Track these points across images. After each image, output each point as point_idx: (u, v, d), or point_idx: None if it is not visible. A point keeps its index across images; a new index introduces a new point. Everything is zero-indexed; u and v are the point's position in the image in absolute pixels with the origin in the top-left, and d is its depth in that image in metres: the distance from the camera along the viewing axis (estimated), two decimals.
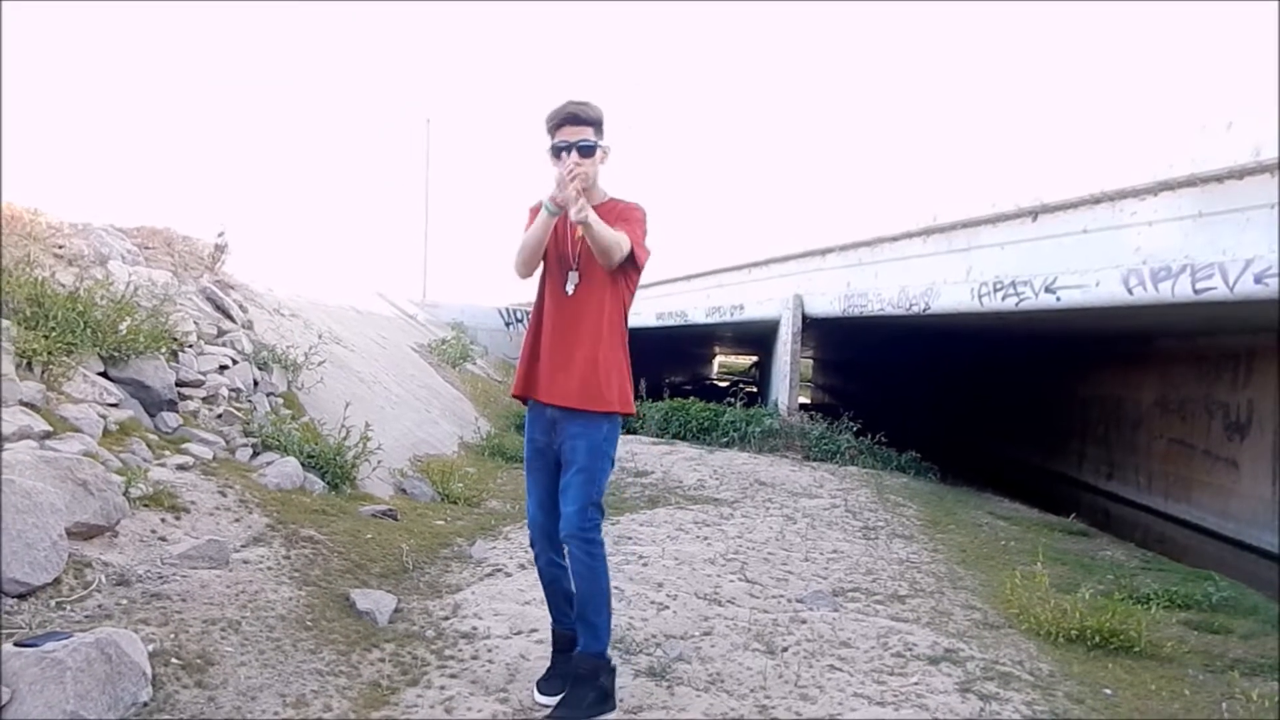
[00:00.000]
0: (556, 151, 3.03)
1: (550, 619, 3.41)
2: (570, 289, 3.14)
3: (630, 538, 5.84)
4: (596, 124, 3.09)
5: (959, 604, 4.93)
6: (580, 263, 3.13)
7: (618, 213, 3.13)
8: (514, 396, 3.35)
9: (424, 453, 8.71)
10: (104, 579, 3.43)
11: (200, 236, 9.33)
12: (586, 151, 3.05)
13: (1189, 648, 4.45)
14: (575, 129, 3.05)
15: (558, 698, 3.15)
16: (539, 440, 3.24)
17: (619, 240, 2.99)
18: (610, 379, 3.13)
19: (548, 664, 3.36)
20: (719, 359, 49.22)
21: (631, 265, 3.14)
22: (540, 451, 3.23)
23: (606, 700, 3.12)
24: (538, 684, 3.28)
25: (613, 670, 3.22)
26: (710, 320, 18.77)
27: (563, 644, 3.32)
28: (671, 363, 31.47)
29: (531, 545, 3.34)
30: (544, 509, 3.24)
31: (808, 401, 22.06)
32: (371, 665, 3.38)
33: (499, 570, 4.84)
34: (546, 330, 3.16)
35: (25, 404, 4.47)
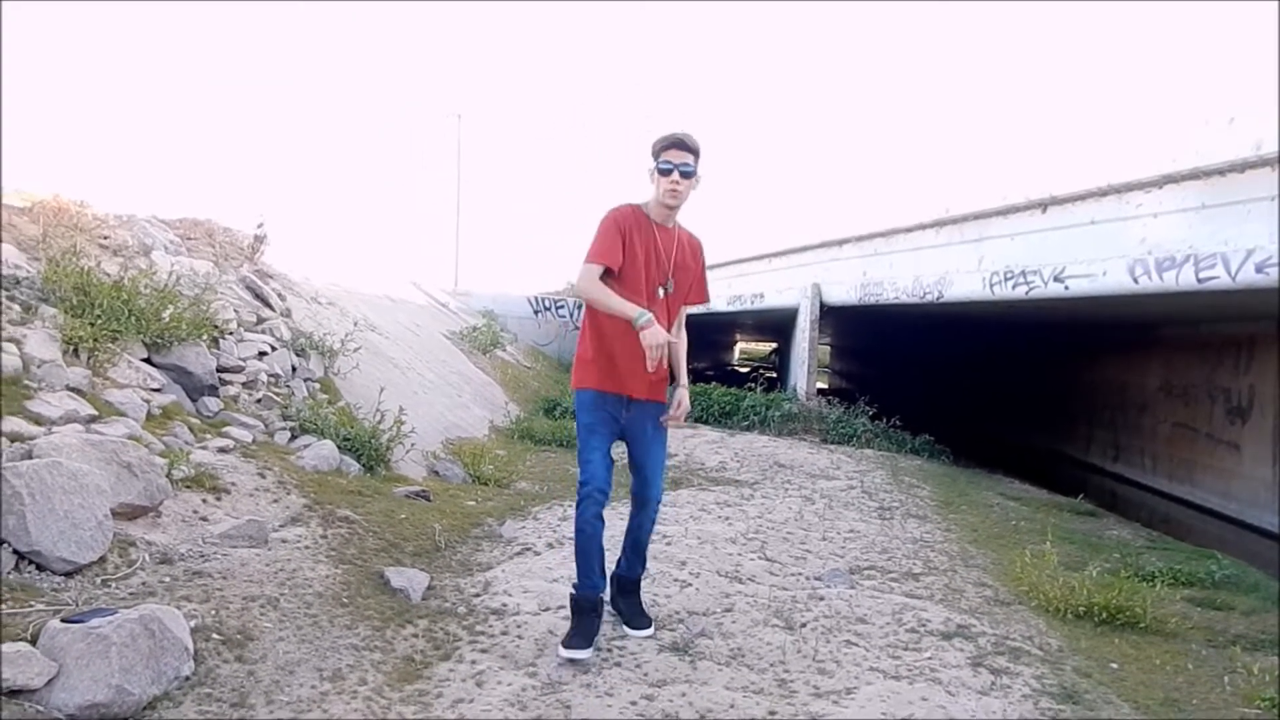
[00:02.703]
0: (664, 170, 3.44)
1: (575, 585, 3.51)
2: (661, 294, 3.58)
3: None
4: (698, 154, 3.48)
5: (971, 582, 5.00)
6: (675, 275, 3.62)
7: (694, 257, 3.70)
8: (587, 389, 3.56)
9: (456, 436, 8.81)
10: (148, 557, 3.51)
11: (240, 228, 9.47)
12: (688, 174, 3.46)
13: (1192, 624, 4.52)
14: (682, 154, 3.44)
15: (584, 652, 3.33)
16: (611, 409, 3.54)
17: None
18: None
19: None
20: (740, 345, 49.15)
21: None
22: (611, 419, 3.53)
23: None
24: (562, 643, 3.37)
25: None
26: (732, 308, 18.82)
27: (586, 605, 3.46)
28: (694, 349, 31.38)
29: (583, 500, 3.45)
30: (607, 465, 3.49)
31: (825, 387, 22.07)
32: (405, 640, 3.44)
33: (528, 549, 4.91)
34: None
35: (72, 389, 4.59)
